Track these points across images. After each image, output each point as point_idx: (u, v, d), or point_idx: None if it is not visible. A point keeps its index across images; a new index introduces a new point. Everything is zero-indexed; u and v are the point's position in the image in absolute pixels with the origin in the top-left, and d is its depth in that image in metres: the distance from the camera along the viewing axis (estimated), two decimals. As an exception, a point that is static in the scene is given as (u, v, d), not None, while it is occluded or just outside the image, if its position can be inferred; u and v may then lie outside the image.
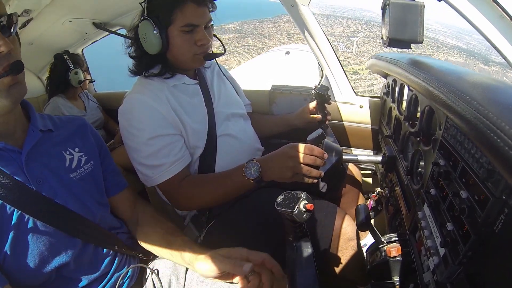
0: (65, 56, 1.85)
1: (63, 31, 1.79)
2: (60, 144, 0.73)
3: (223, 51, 1.09)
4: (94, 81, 2.19)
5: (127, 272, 0.78)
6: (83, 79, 1.89)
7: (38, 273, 0.63)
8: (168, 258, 0.80)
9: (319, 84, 1.59)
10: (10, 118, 0.65)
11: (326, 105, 1.21)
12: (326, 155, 0.87)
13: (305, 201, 0.52)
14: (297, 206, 0.51)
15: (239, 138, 1.10)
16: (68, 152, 0.74)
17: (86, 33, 1.97)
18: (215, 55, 1.02)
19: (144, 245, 0.84)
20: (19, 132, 0.68)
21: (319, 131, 0.91)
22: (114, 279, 0.76)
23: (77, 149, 0.76)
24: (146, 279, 0.82)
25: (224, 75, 1.22)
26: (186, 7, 0.90)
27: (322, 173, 0.87)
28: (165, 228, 0.82)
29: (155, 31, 0.90)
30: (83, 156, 0.76)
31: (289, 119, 1.34)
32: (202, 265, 0.68)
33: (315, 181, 0.87)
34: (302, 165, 0.84)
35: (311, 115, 1.25)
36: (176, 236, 0.79)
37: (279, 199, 0.55)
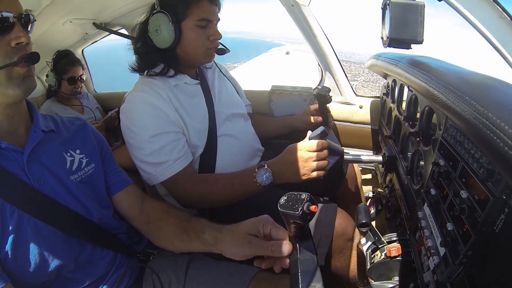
0: (46, 61, 1.80)
1: (63, 31, 1.79)
2: (61, 146, 0.73)
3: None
4: (79, 81, 1.92)
5: (127, 272, 0.78)
6: (54, 84, 1.82)
7: (38, 273, 0.63)
8: (188, 248, 0.76)
9: (319, 84, 1.60)
10: (15, 114, 0.66)
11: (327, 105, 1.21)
12: (329, 143, 0.90)
13: (309, 203, 0.50)
14: (300, 208, 0.49)
15: (239, 138, 1.10)
16: (69, 154, 0.74)
17: (87, 33, 1.96)
18: (226, 51, 1.04)
19: (160, 241, 0.81)
20: (22, 131, 0.68)
21: (321, 128, 0.92)
22: (113, 279, 0.76)
23: (78, 151, 0.76)
24: (146, 279, 0.82)
25: (225, 75, 1.23)
26: (201, 3, 0.93)
27: (328, 161, 0.90)
28: (178, 217, 0.79)
29: (170, 23, 0.91)
30: (84, 158, 0.76)
31: (290, 121, 1.34)
32: (227, 248, 0.64)
33: (327, 170, 0.91)
34: (318, 162, 0.88)
35: (313, 117, 1.25)
36: (192, 221, 0.76)
37: (282, 200, 0.53)
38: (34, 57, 0.61)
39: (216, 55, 1.05)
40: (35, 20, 0.65)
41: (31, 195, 0.63)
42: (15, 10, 0.59)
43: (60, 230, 0.66)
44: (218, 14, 1.00)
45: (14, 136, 0.66)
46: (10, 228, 0.60)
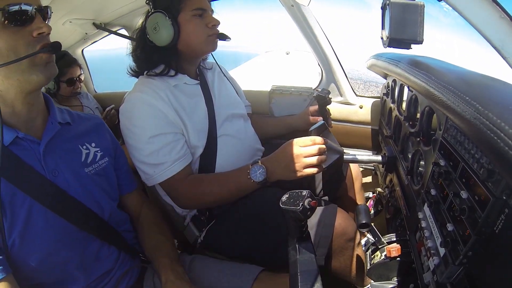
0: None
1: (63, 31, 1.79)
2: (77, 138, 0.76)
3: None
4: (78, 82, 1.91)
5: (128, 271, 0.79)
6: (53, 87, 1.81)
7: (43, 266, 0.64)
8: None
9: (319, 84, 1.60)
10: (35, 102, 0.68)
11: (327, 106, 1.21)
12: (327, 140, 0.88)
13: (309, 199, 0.53)
14: (301, 203, 0.52)
15: (239, 138, 1.10)
16: (84, 147, 0.76)
17: (86, 33, 1.96)
18: (226, 36, 1.04)
19: (142, 245, 0.86)
20: (40, 122, 0.69)
21: (321, 121, 0.92)
22: (115, 278, 0.76)
23: (93, 144, 0.78)
24: (147, 279, 0.82)
25: (225, 75, 1.23)
26: None
27: (326, 157, 0.87)
28: (154, 241, 0.83)
29: (167, 18, 0.92)
30: (99, 151, 0.79)
31: (290, 122, 1.33)
32: None
33: (323, 167, 0.88)
34: (309, 158, 0.85)
35: (313, 118, 1.25)
36: (160, 258, 0.77)
37: (284, 198, 0.56)
38: (56, 46, 0.64)
39: (218, 52, 1.05)
40: (52, 13, 0.68)
41: (45, 186, 0.65)
42: (35, 3, 0.62)
43: (70, 222, 0.67)
44: (212, 7, 1.01)
45: (31, 127, 0.68)
46: (20, 216, 0.61)
